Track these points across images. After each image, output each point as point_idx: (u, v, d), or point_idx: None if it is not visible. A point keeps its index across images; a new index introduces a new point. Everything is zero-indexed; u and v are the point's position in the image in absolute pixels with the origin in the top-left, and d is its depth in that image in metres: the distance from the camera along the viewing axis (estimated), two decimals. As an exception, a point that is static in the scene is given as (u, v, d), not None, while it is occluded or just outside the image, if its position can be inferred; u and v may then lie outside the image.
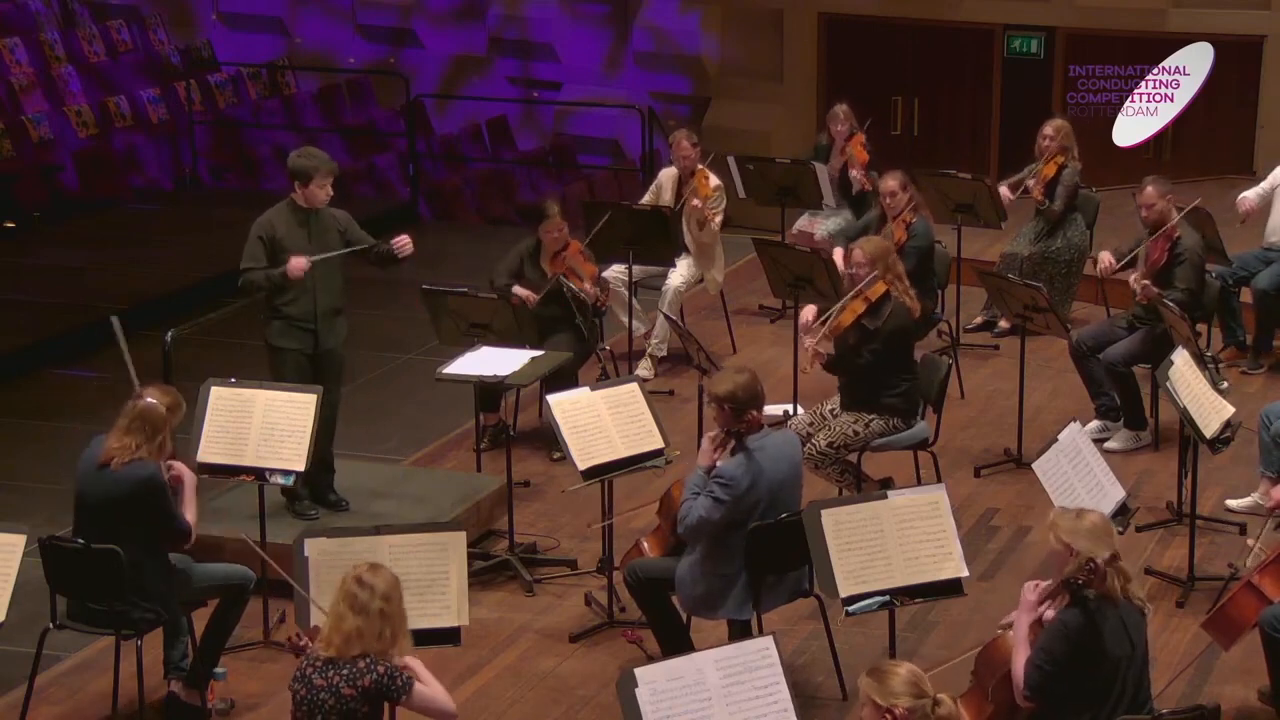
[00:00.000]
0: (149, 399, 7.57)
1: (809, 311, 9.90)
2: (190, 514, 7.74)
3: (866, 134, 13.40)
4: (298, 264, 9.09)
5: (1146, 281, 10.44)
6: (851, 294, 9.52)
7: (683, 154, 12.38)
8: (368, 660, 6.12)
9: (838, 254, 12.11)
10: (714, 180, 12.46)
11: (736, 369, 7.95)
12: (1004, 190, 12.60)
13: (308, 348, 9.30)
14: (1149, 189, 10.62)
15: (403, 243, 9.45)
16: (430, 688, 6.27)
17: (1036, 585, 6.58)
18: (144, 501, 7.51)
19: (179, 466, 7.85)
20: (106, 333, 12.39)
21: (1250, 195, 12.14)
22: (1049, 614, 6.50)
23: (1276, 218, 12.08)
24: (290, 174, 9.28)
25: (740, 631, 7.84)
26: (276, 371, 9.26)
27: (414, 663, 6.28)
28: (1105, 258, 11.00)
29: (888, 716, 5.56)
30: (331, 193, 9.28)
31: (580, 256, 11.09)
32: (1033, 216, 12.73)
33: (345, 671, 6.10)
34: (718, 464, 7.74)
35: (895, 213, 11.46)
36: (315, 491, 9.44)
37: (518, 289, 10.91)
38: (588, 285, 11.03)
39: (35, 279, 14.21)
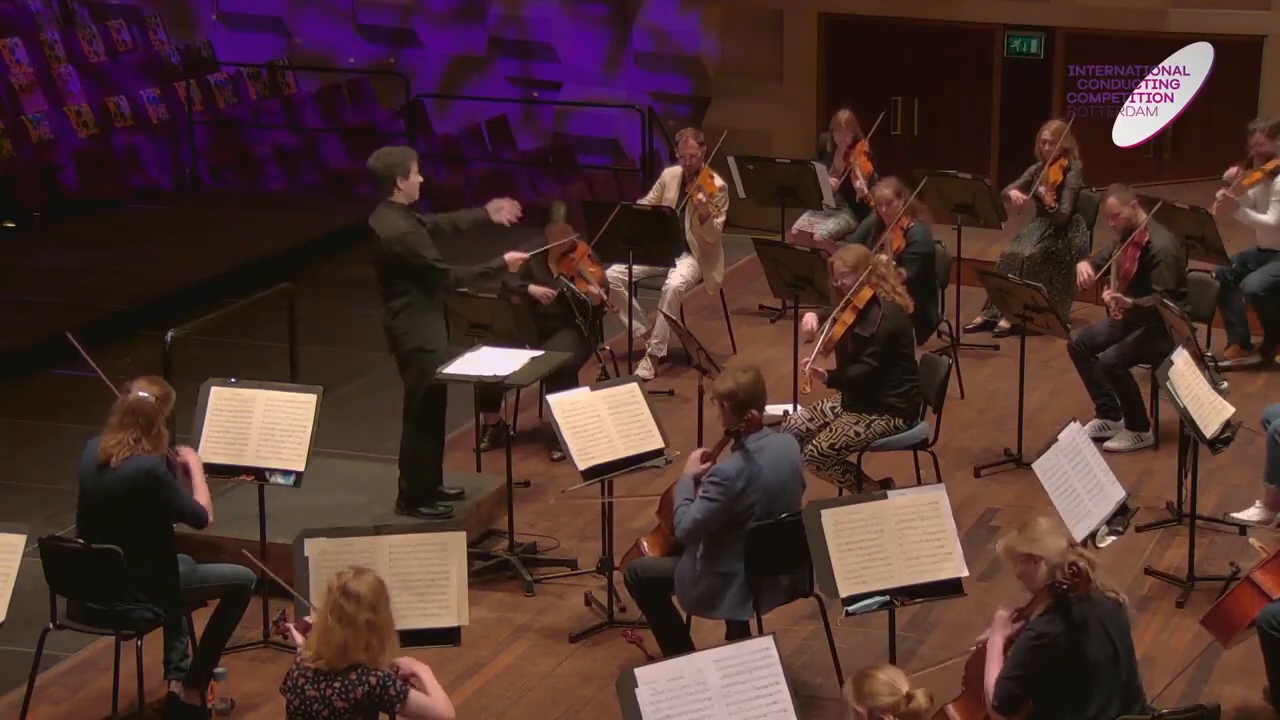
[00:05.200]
0: (138, 392, 7.56)
1: (810, 320, 9.88)
2: (203, 497, 7.75)
3: (870, 140, 13.38)
4: (516, 256, 9.35)
5: (1118, 295, 10.45)
6: (840, 306, 9.51)
7: (689, 151, 12.37)
8: (359, 672, 6.11)
9: None
10: (719, 180, 12.48)
11: (741, 368, 7.94)
12: (1015, 193, 12.58)
13: (443, 344, 9.39)
14: (1110, 200, 10.66)
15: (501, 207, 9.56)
16: (431, 695, 6.25)
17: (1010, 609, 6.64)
18: (148, 494, 7.51)
19: (184, 451, 7.86)
20: (107, 333, 12.41)
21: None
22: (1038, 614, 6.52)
23: (1265, 219, 12.12)
24: (384, 175, 9.15)
25: (737, 631, 7.84)
26: (422, 376, 9.22)
27: (421, 669, 6.27)
28: (1084, 269, 11.00)
29: (868, 717, 5.63)
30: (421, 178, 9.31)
31: (588, 260, 11.12)
32: (1034, 217, 12.73)
33: (338, 685, 6.10)
34: (716, 463, 7.74)
35: (891, 220, 11.44)
36: (431, 491, 9.50)
37: (534, 288, 10.91)
38: (593, 288, 11.05)
39: (35, 279, 14.20)
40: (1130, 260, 10.60)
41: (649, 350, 12.17)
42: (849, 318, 9.45)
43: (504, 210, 9.53)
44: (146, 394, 7.55)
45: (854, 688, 5.72)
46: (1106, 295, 10.58)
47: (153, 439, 7.52)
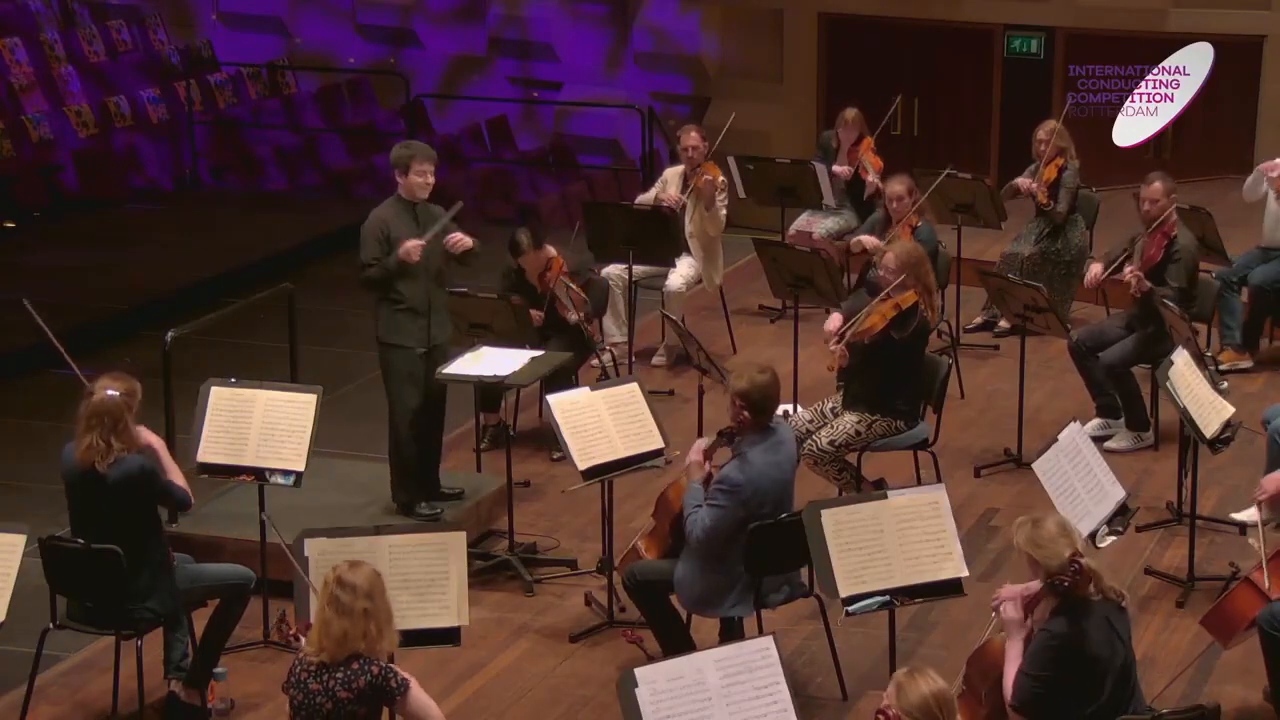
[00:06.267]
0: (104, 391, 7.55)
1: (835, 320, 9.74)
2: (178, 479, 7.76)
3: (875, 137, 13.36)
4: (414, 245, 9.12)
5: (1140, 273, 10.46)
6: (880, 298, 9.32)
7: (690, 144, 12.34)
8: (361, 662, 6.13)
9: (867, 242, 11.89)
10: (722, 177, 12.47)
11: (760, 367, 7.89)
12: (1020, 180, 12.57)
13: (420, 343, 9.30)
14: (1156, 184, 10.62)
15: (455, 240, 9.41)
16: (426, 699, 6.26)
17: (1012, 600, 6.61)
18: (141, 493, 7.54)
19: (144, 433, 7.78)
20: (107, 333, 12.39)
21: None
22: (1037, 617, 6.52)
23: (1270, 219, 12.11)
24: (392, 165, 9.32)
25: (729, 630, 7.84)
26: (384, 370, 9.34)
27: (410, 679, 6.28)
28: (1095, 269, 10.95)
29: (881, 717, 5.61)
30: (431, 181, 9.28)
31: (564, 284, 10.84)
32: (1033, 217, 12.73)
33: (340, 675, 6.11)
34: (717, 470, 7.73)
35: (900, 217, 11.42)
36: (428, 488, 9.48)
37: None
38: (571, 315, 10.82)
39: (35, 279, 14.19)
40: (1157, 247, 10.58)
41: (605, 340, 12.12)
42: (889, 311, 9.24)
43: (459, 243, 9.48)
44: (113, 391, 7.55)
45: (896, 689, 5.67)
46: (1129, 271, 10.54)
47: (122, 436, 7.51)
